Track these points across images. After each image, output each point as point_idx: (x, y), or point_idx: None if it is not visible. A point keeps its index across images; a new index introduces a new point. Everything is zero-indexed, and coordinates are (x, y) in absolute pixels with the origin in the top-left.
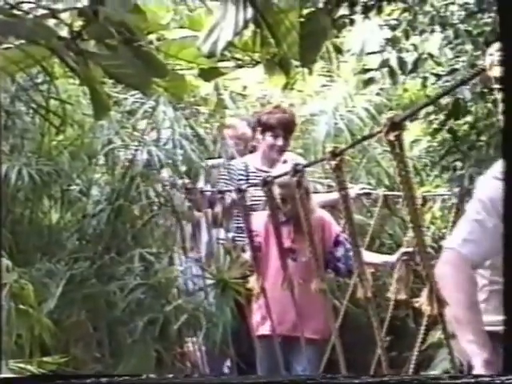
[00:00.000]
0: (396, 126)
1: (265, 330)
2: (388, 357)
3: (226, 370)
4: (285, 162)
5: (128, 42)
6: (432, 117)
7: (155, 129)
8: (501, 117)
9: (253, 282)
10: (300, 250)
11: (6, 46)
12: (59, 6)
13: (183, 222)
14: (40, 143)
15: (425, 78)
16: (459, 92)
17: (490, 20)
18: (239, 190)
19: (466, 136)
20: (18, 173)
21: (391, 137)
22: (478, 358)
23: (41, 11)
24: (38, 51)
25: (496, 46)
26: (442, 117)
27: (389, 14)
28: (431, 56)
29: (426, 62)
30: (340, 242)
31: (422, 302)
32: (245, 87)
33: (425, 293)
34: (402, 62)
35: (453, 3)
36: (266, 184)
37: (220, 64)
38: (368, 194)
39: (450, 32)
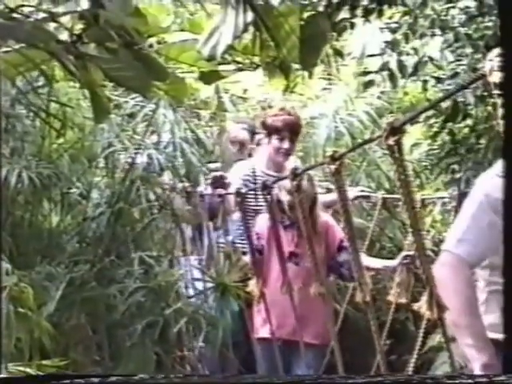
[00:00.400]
0: (396, 130)
1: (265, 332)
2: (388, 360)
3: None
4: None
5: (128, 46)
6: (432, 120)
7: (155, 132)
8: (500, 120)
9: (252, 286)
10: (303, 255)
11: (5, 49)
12: (59, 9)
13: (183, 226)
14: (40, 146)
15: (425, 82)
16: (461, 95)
17: (490, 24)
18: (239, 194)
19: (465, 139)
20: (18, 176)
21: (391, 141)
22: (476, 363)
23: (41, 15)
24: (37, 55)
25: (495, 51)
26: (441, 120)
27: (389, 17)
28: (431, 59)
29: (427, 66)
30: (343, 247)
31: (422, 305)
32: (245, 90)
33: (424, 297)
34: (402, 66)
35: (453, 7)
36: (266, 188)
37: (220, 67)
38: (367, 197)
39: (450, 35)
